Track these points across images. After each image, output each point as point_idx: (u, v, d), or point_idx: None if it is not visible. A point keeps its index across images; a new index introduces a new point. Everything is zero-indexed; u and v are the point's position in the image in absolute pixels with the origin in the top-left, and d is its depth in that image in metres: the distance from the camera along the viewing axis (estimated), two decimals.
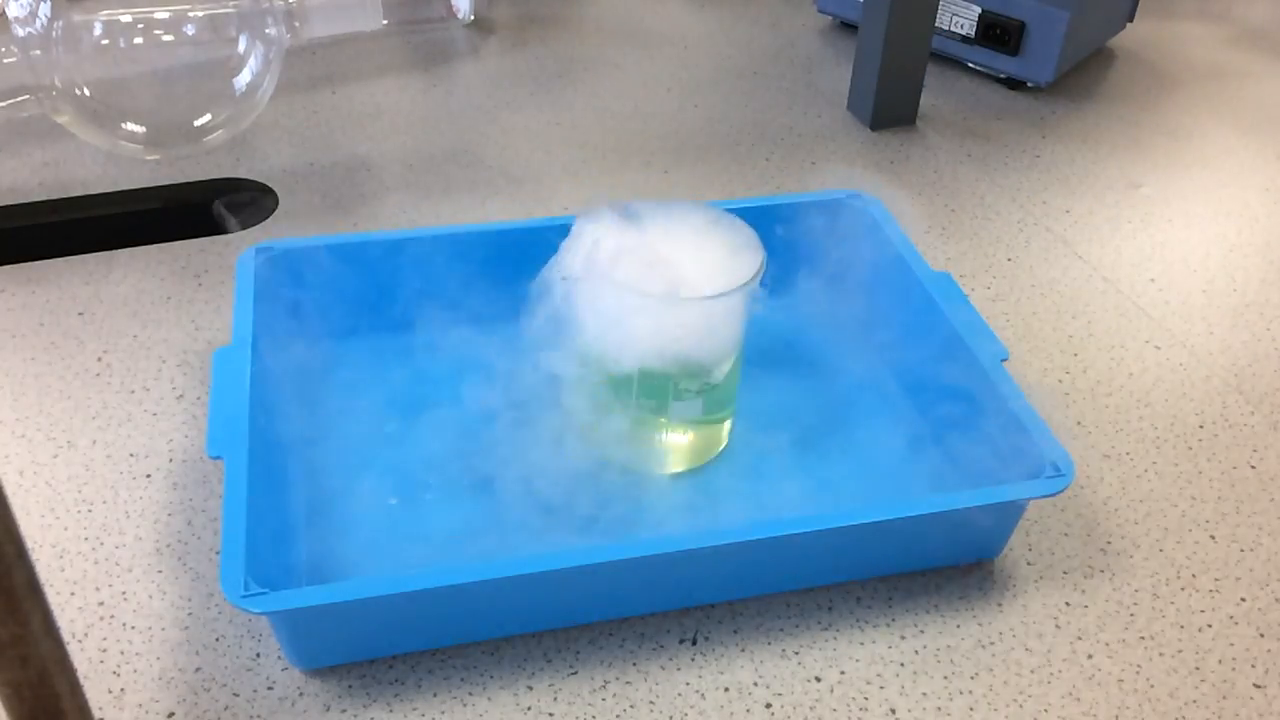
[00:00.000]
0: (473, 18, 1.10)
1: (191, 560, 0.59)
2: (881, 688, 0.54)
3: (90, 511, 0.61)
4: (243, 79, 0.86)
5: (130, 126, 0.85)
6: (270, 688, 0.53)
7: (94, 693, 0.53)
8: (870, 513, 0.54)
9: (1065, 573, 0.60)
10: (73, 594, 0.57)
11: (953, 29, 1.03)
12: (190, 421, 0.66)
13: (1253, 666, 0.56)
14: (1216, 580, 0.60)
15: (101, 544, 0.59)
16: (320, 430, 0.64)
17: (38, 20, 0.80)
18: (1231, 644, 0.57)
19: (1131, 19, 1.10)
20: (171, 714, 0.52)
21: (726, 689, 0.54)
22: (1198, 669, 0.56)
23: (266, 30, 0.86)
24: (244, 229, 0.82)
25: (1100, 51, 1.11)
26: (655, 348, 0.58)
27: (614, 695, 0.53)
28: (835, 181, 0.91)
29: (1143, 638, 0.57)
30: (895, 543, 0.58)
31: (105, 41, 0.82)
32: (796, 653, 0.56)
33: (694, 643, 0.56)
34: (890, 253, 0.71)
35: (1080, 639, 0.57)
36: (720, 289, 0.57)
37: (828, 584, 0.59)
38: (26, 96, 0.82)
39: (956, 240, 0.84)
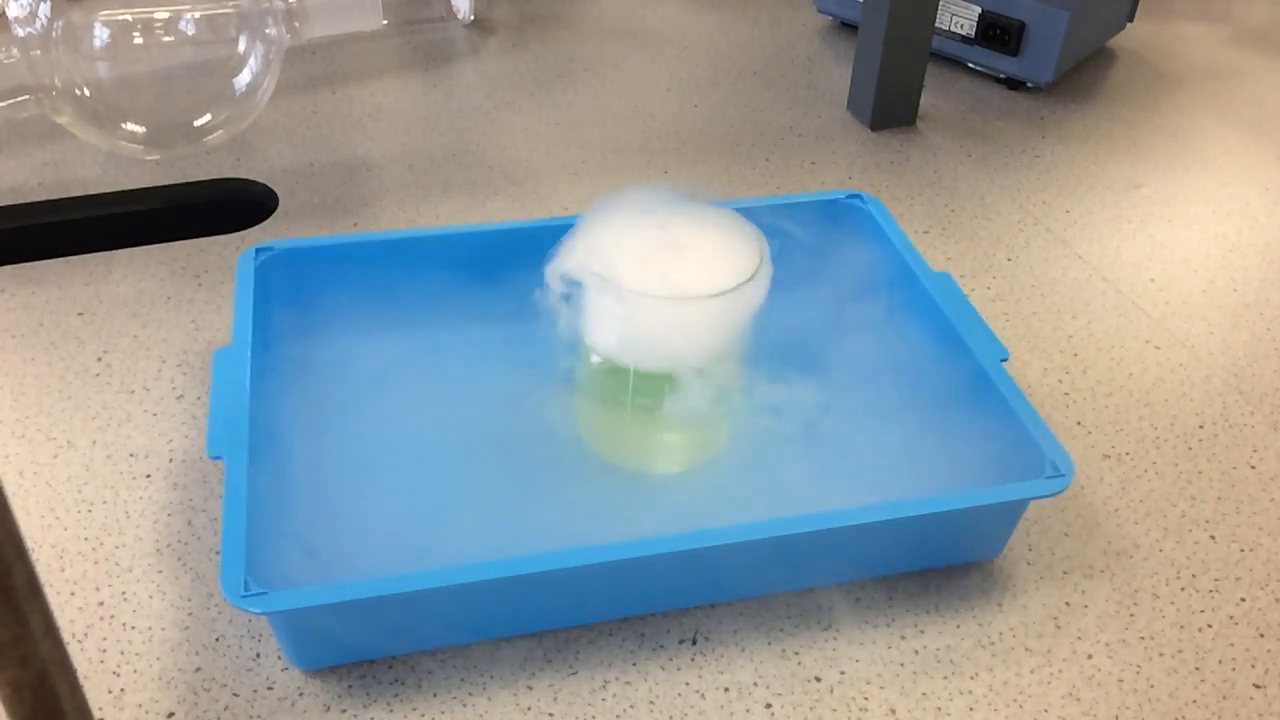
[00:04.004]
0: (473, 18, 1.10)
1: (191, 560, 0.59)
2: (881, 688, 0.54)
3: (90, 511, 0.61)
4: (243, 79, 0.86)
5: (130, 126, 0.85)
6: (270, 688, 0.53)
7: (94, 693, 0.53)
8: (870, 513, 0.54)
9: (1065, 573, 0.60)
10: (73, 594, 0.57)
11: (953, 29, 1.03)
12: (190, 421, 0.66)
13: (1253, 666, 0.56)
14: (1216, 580, 0.60)
15: (101, 544, 0.59)
16: (321, 430, 0.64)
17: (38, 20, 0.80)
18: (1231, 644, 0.57)
19: (1131, 19, 1.10)
20: (171, 714, 0.52)
21: (726, 689, 0.54)
22: (1198, 669, 0.56)
23: (266, 30, 0.86)
24: (244, 229, 0.82)
25: (1100, 51, 1.11)
26: (650, 347, 0.58)
27: (614, 695, 0.53)
28: (835, 181, 0.91)
29: (1143, 638, 0.57)
30: (895, 543, 0.58)
31: (105, 41, 0.82)
32: (796, 653, 0.56)
33: (694, 643, 0.56)
34: (890, 253, 0.71)
35: (1080, 639, 0.57)
36: (718, 288, 0.57)
37: (828, 584, 0.59)
38: (26, 96, 0.82)
39: (956, 240, 0.84)
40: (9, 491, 0.62)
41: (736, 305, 0.58)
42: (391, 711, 0.52)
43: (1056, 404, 0.71)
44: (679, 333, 0.58)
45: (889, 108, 0.97)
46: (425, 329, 0.69)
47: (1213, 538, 0.62)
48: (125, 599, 0.57)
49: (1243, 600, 0.59)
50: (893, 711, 0.53)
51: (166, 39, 0.84)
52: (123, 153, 0.87)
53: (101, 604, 0.56)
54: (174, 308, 0.75)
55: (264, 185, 0.87)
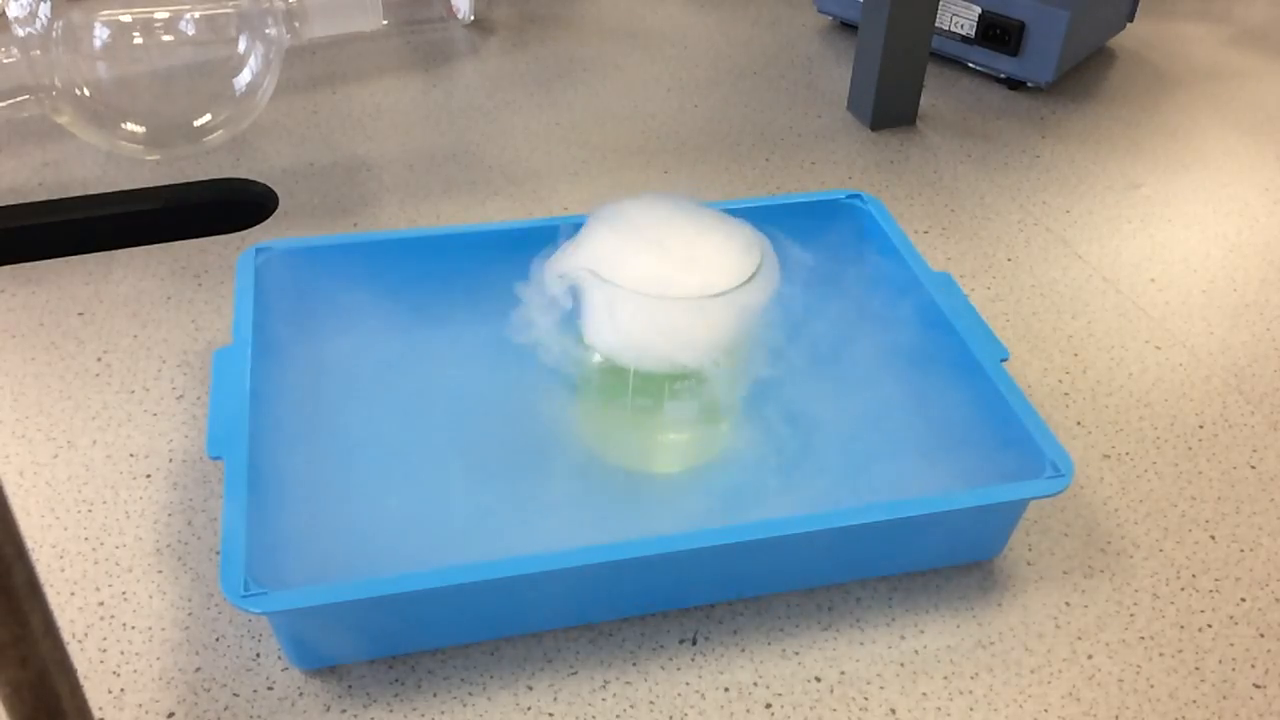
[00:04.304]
0: (473, 18, 1.10)
1: (191, 560, 0.59)
2: (881, 688, 0.54)
3: (90, 511, 0.61)
4: (243, 79, 0.86)
5: (130, 126, 0.85)
6: (270, 688, 0.53)
7: (94, 693, 0.53)
8: (870, 513, 0.54)
9: (1065, 573, 0.60)
10: (73, 594, 0.57)
11: (953, 29, 1.03)
12: (190, 421, 0.66)
13: (1253, 666, 0.56)
14: (1216, 580, 0.60)
15: (101, 544, 0.59)
16: (320, 430, 0.64)
17: (38, 20, 0.80)
18: (1231, 644, 0.57)
19: (1131, 19, 1.10)
20: (171, 714, 0.52)
21: (726, 689, 0.54)
22: (1198, 669, 0.56)
23: (266, 30, 0.86)
24: (244, 229, 0.82)
25: (1100, 51, 1.11)
26: (650, 347, 0.58)
27: (614, 695, 0.53)
28: (835, 181, 0.91)
29: (1143, 638, 0.57)
30: (895, 543, 0.58)
31: (105, 41, 0.82)
32: (796, 653, 0.56)
33: (694, 643, 0.56)
34: (890, 253, 0.71)
35: (1080, 639, 0.57)
36: (718, 289, 0.57)
37: (828, 584, 0.59)
38: (26, 96, 0.82)
39: (956, 240, 0.84)
40: (9, 491, 0.62)
41: (736, 306, 0.58)
42: (391, 711, 0.52)
43: (1056, 404, 0.71)
44: (679, 333, 0.58)
45: (889, 108, 0.97)
46: (426, 329, 0.69)
47: (1213, 538, 0.62)
48: (125, 599, 0.57)
49: (1243, 600, 0.59)
50: (893, 711, 0.53)
51: (166, 39, 0.84)
52: (123, 153, 0.87)
53: (101, 604, 0.56)
54: (174, 308, 0.75)
55: (264, 185, 0.87)
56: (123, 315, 0.74)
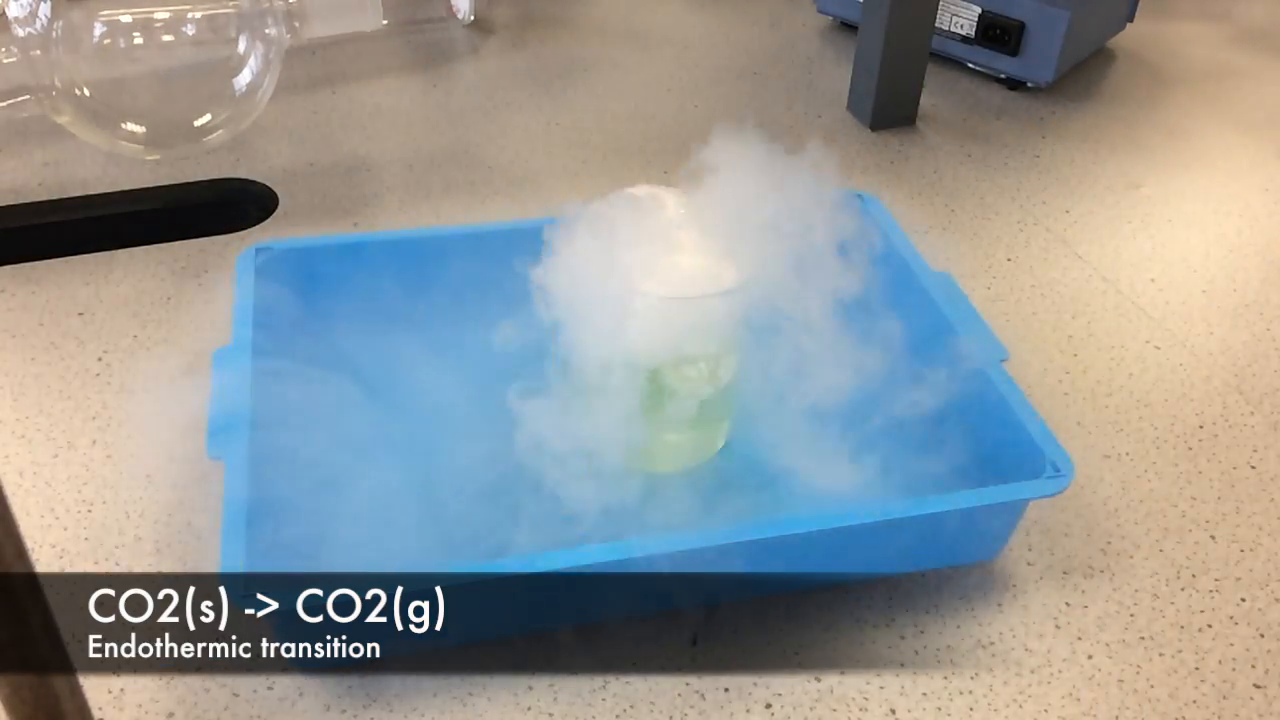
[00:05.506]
0: (473, 18, 1.10)
1: (191, 560, 0.59)
2: (881, 688, 0.54)
3: (90, 511, 0.61)
4: (243, 79, 0.86)
5: (130, 126, 0.85)
6: (270, 688, 0.53)
7: (94, 693, 0.53)
8: (870, 513, 0.54)
9: (1065, 573, 0.60)
10: (73, 594, 0.57)
11: (953, 29, 1.03)
12: (190, 421, 0.66)
13: (1253, 666, 0.56)
14: (1216, 580, 0.60)
15: (101, 544, 0.59)
16: (320, 429, 0.64)
17: (38, 20, 0.80)
18: (1231, 644, 0.57)
19: (1131, 19, 1.10)
20: (171, 714, 0.52)
21: (726, 689, 0.54)
22: (1198, 669, 0.56)
23: (266, 30, 0.86)
24: (244, 229, 0.82)
25: (1100, 51, 1.11)
26: (649, 347, 0.58)
27: (614, 695, 0.53)
28: (835, 181, 0.90)
29: (1143, 638, 0.57)
30: (895, 543, 0.58)
31: (105, 41, 0.82)
32: (796, 653, 0.56)
33: (694, 643, 0.56)
34: (890, 253, 0.71)
35: (1080, 639, 0.57)
36: (713, 290, 0.57)
37: (828, 584, 0.59)
38: (26, 96, 0.82)
39: (956, 240, 0.84)
40: (9, 491, 0.62)
41: (735, 306, 0.58)
42: (391, 711, 0.52)
43: (1056, 404, 0.71)
44: (674, 334, 0.58)
45: (889, 108, 0.97)
46: (425, 328, 0.69)
47: (1213, 538, 0.62)
48: (126, 598, 0.57)
49: (1243, 600, 0.59)
50: (893, 711, 0.53)
51: (166, 39, 0.84)
52: (123, 153, 0.87)
53: (102, 604, 0.56)
54: (174, 308, 0.75)
55: (264, 185, 0.87)
56: (123, 315, 0.74)
